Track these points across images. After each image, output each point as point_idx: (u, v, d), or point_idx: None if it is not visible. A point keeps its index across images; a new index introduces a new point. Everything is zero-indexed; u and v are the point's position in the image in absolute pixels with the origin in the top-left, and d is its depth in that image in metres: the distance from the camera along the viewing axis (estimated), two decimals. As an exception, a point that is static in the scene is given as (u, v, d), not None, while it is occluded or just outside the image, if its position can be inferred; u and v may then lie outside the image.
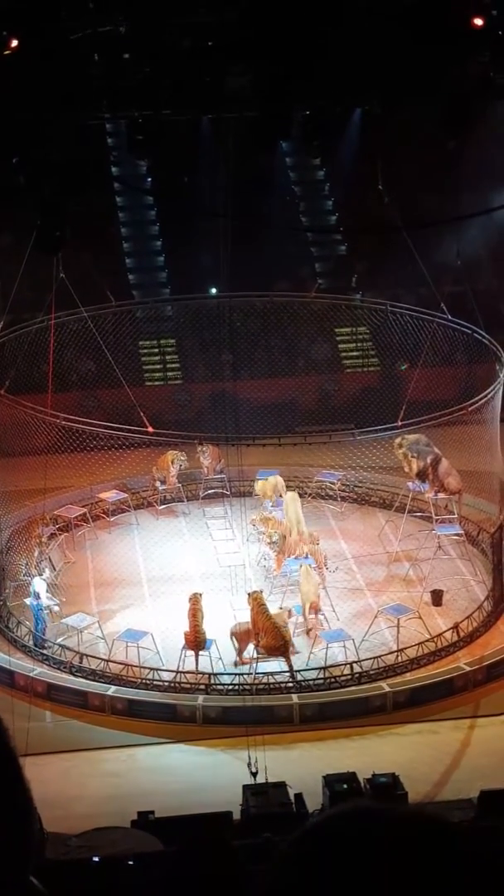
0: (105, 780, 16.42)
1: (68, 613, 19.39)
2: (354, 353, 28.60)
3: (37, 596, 19.09)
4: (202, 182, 27.76)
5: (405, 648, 18.64)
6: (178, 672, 18.15)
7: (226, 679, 18.10)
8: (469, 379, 23.25)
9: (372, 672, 18.27)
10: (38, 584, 19.19)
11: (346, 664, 18.28)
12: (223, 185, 22.26)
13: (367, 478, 23.34)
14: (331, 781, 14.74)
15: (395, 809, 2.11)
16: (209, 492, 23.64)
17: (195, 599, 18.32)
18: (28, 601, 19.39)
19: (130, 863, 12.11)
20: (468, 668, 18.24)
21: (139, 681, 18.15)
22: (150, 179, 30.13)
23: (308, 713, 17.50)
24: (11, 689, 17.90)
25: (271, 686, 18.00)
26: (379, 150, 23.49)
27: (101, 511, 23.19)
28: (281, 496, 22.21)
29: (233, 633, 18.44)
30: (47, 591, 19.31)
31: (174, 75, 19.97)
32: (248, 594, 18.50)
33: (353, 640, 18.54)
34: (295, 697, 17.71)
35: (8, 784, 2.26)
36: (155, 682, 18.12)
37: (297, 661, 18.23)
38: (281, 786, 14.73)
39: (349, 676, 18.16)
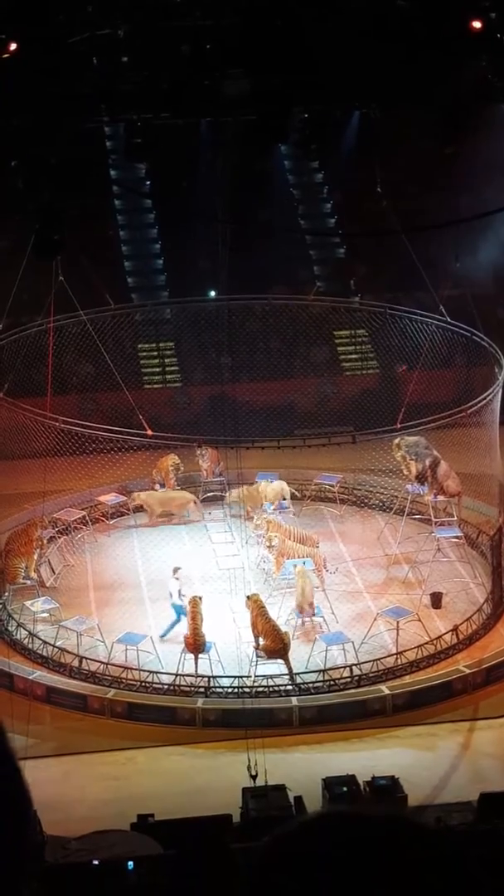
0: (104, 783, 16.40)
1: (67, 616, 19.40)
2: (353, 356, 28.59)
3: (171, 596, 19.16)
4: (200, 185, 27.76)
5: (404, 651, 18.62)
6: (177, 675, 18.14)
7: (225, 682, 18.09)
8: (468, 381, 23.24)
9: (371, 675, 18.26)
10: (172, 585, 19.22)
11: (345, 667, 18.26)
12: (222, 188, 22.26)
13: (366, 480, 23.34)
14: (330, 784, 14.74)
15: (369, 814, 2.12)
16: (208, 494, 23.65)
17: (194, 602, 18.31)
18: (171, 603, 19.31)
19: (130, 866, 12.12)
20: (467, 671, 18.23)
21: (138, 684, 18.16)
22: (148, 183, 30.12)
23: (307, 716, 17.49)
24: (11, 692, 17.89)
25: (271, 689, 17.98)
26: (377, 152, 23.51)
27: (101, 514, 23.19)
28: (284, 498, 22.29)
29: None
30: (180, 591, 19.12)
31: (172, 79, 19.98)
32: (248, 597, 18.52)
33: (352, 642, 18.53)
34: (294, 700, 17.70)
35: (6, 787, 2.25)
36: (154, 685, 18.12)
37: (297, 664, 18.22)
38: (280, 789, 14.72)
39: (348, 679, 18.15)
